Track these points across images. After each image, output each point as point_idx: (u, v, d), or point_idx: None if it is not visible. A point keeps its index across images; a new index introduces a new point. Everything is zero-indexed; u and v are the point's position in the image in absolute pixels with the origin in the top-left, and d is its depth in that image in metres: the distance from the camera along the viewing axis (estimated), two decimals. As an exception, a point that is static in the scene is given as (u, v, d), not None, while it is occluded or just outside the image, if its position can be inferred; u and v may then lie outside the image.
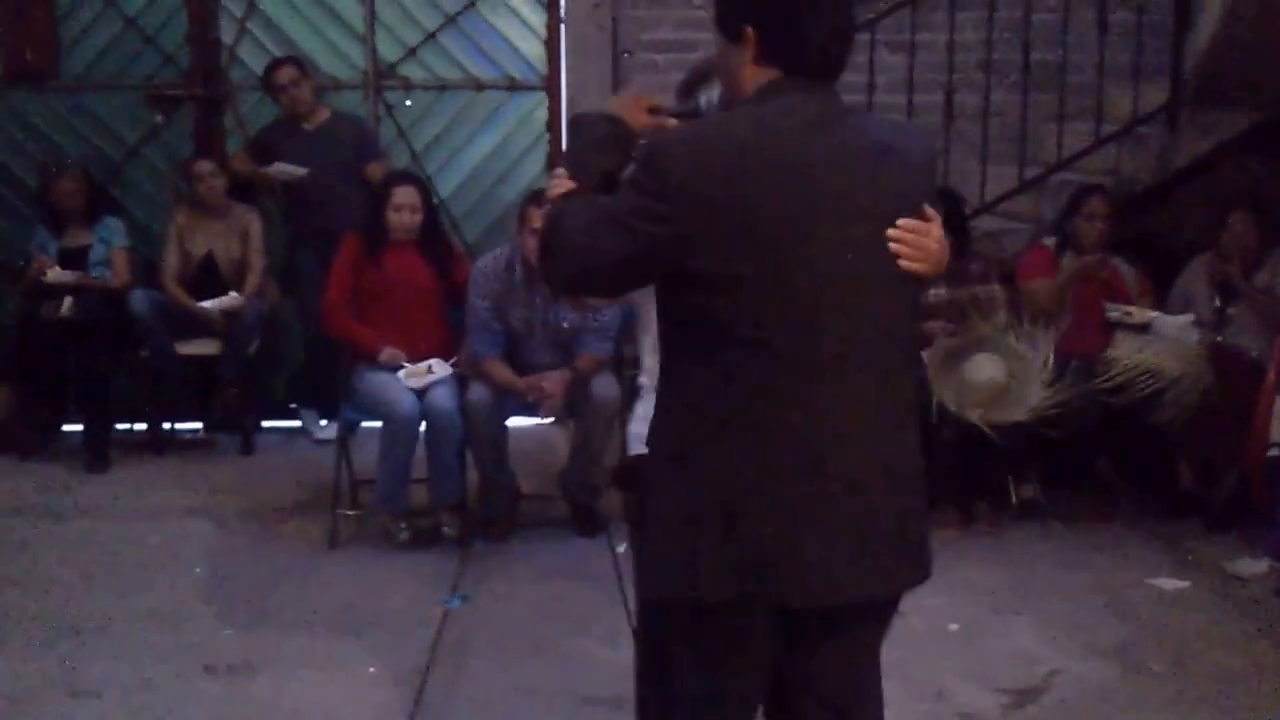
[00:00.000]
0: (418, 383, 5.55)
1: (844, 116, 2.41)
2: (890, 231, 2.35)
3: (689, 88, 2.88)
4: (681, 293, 2.35)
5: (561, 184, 2.49)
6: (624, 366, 5.94)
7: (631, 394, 5.56)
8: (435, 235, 5.94)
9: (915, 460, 2.49)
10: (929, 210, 2.43)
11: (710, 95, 2.68)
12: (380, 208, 5.78)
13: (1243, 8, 5.72)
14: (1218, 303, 6.00)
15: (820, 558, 2.34)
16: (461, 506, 5.66)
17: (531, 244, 5.43)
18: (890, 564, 2.42)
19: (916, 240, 2.38)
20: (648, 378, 3.17)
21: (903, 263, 2.35)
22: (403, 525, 5.57)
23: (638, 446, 3.13)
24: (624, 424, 5.65)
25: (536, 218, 5.39)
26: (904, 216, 2.37)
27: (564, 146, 2.61)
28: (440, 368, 5.62)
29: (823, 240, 2.30)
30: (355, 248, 5.81)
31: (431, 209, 5.92)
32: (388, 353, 5.62)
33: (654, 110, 2.60)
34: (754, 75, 2.41)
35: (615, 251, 2.34)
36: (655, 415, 2.49)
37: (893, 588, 2.48)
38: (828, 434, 2.34)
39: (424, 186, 5.93)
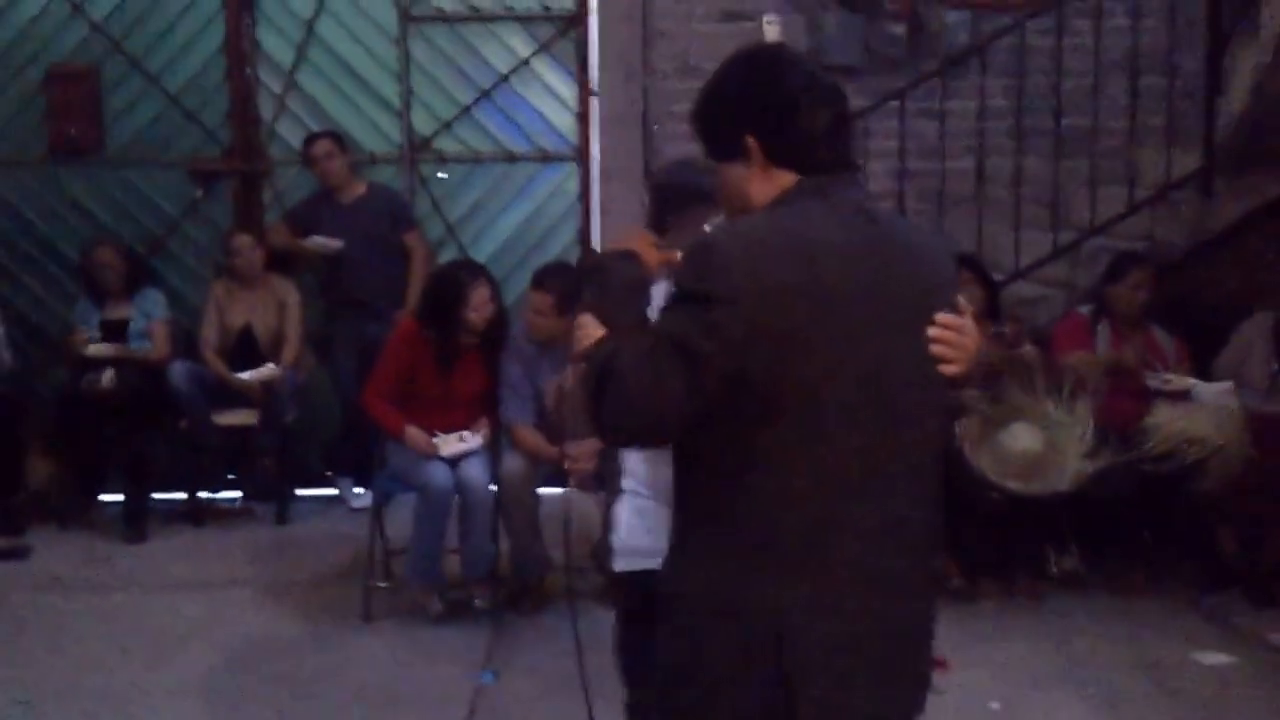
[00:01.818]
0: (448, 451, 5.41)
1: (874, 211, 2.28)
2: (932, 331, 2.21)
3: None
4: (728, 407, 2.12)
5: (590, 332, 2.34)
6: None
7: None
8: (499, 336, 5.63)
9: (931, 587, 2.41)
10: (961, 302, 2.31)
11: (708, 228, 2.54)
12: (456, 306, 5.47)
13: (1274, 73, 5.55)
14: (1275, 366, 5.76)
15: (870, 698, 2.21)
16: (493, 578, 5.49)
17: (537, 324, 5.37)
18: (918, 694, 2.36)
19: (956, 339, 2.24)
20: (633, 481, 2.96)
21: (943, 366, 2.23)
22: (437, 599, 5.39)
23: (628, 561, 2.98)
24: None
25: (534, 300, 5.42)
26: (939, 312, 2.23)
27: (588, 294, 2.46)
28: (471, 437, 5.47)
29: (871, 336, 2.14)
30: (417, 344, 5.52)
31: (500, 303, 5.67)
32: (411, 433, 5.43)
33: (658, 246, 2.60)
34: (767, 183, 2.27)
35: (679, 384, 2.09)
36: (682, 548, 2.29)
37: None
38: (878, 567, 2.20)
39: (493, 279, 5.69)
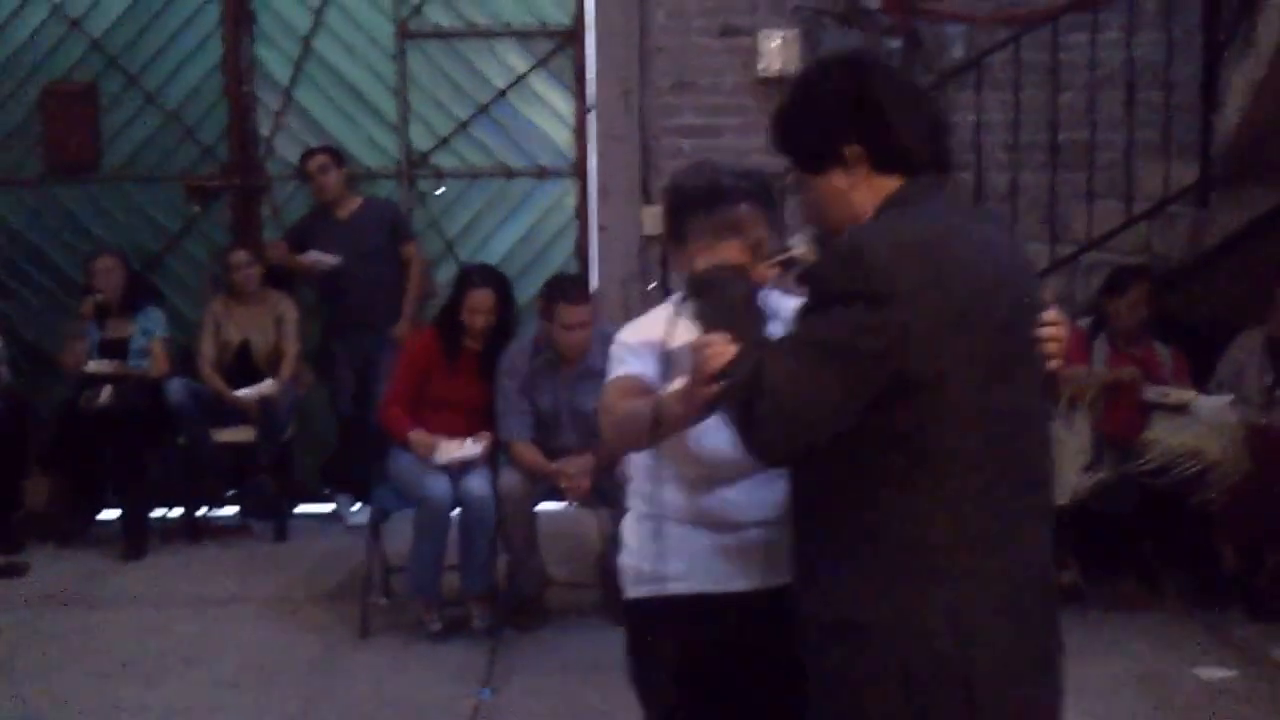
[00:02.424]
0: (447, 458, 5.37)
1: (983, 209, 2.27)
2: (1047, 330, 2.22)
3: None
4: (884, 411, 2.06)
5: (721, 350, 2.15)
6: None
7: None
8: (505, 338, 5.63)
9: None
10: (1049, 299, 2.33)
11: (796, 241, 2.41)
12: (457, 308, 5.54)
13: (1270, 85, 5.54)
14: (1269, 380, 5.75)
15: (1045, 694, 2.24)
16: (492, 595, 5.45)
17: (566, 339, 5.29)
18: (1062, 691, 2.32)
19: (1060, 334, 2.27)
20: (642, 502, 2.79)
21: (1051, 361, 2.25)
22: (436, 615, 5.35)
23: (637, 587, 2.75)
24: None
25: (572, 315, 5.27)
26: (1038, 307, 2.23)
27: (700, 312, 2.31)
28: (472, 445, 5.44)
29: (1004, 332, 2.12)
30: (430, 346, 5.58)
31: (506, 311, 5.65)
32: (416, 436, 5.42)
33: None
34: (874, 190, 2.23)
35: (838, 389, 2.03)
36: (833, 571, 2.17)
37: None
38: (1039, 562, 2.20)
39: (503, 286, 5.67)
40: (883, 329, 2.01)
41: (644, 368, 2.65)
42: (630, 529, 2.77)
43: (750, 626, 2.64)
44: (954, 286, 2.04)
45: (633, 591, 2.73)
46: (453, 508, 5.33)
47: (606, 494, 5.42)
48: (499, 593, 5.49)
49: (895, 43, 6.74)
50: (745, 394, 2.09)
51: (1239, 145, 5.93)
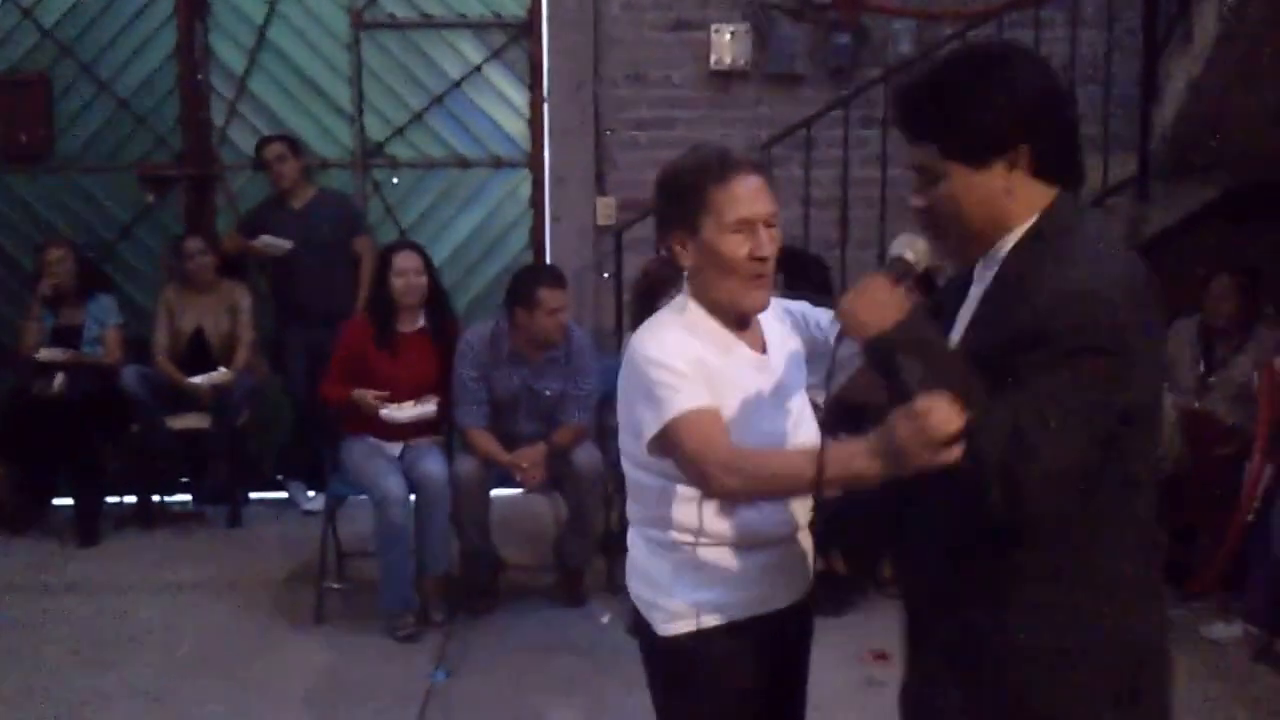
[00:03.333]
0: (402, 417, 5.35)
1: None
2: None
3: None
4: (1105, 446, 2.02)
5: (951, 415, 1.94)
6: (607, 435, 5.85)
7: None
8: (443, 319, 5.66)
9: None
10: None
11: (903, 246, 2.19)
12: (383, 277, 5.53)
13: (1207, 82, 5.66)
14: (1202, 368, 5.90)
15: None
16: (447, 582, 5.49)
17: (548, 324, 5.34)
18: None
19: None
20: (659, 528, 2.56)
21: None
22: (409, 619, 5.28)
23: (672, 624, 2.53)
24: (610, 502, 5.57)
25: (555, 299, 5.32)
26: None
27: (917, 377, 2.01)
28: (421, 405, 5.40)
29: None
30: (363, 333, 5.54)
31: (436, 281, 5.68)
32: (358, 394, 5.37)
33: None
34: (1029, 198, 2.09)
35: (1097, 448, 1.96)
36: (1033, 597, 2.09)
37: None
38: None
39: (424, 252, 5.68)
40: (1128, 383, 1.97)
41: (710, 397, 2.39)
42: (649, 561, 2.54)
43: (782, 644, 2.60)
44: (1154, 326, 2.07)
45: (667, 629, 2.51)
46: (409, 502, 5.32)
47: (561, 480, 5.51)
48: (453, 579, 5.52)
49: (844, 37, 6.82)
50: (1001, 458, 1.93)
51: (1176, 140, 6.04)
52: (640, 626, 2.60)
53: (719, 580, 2.49)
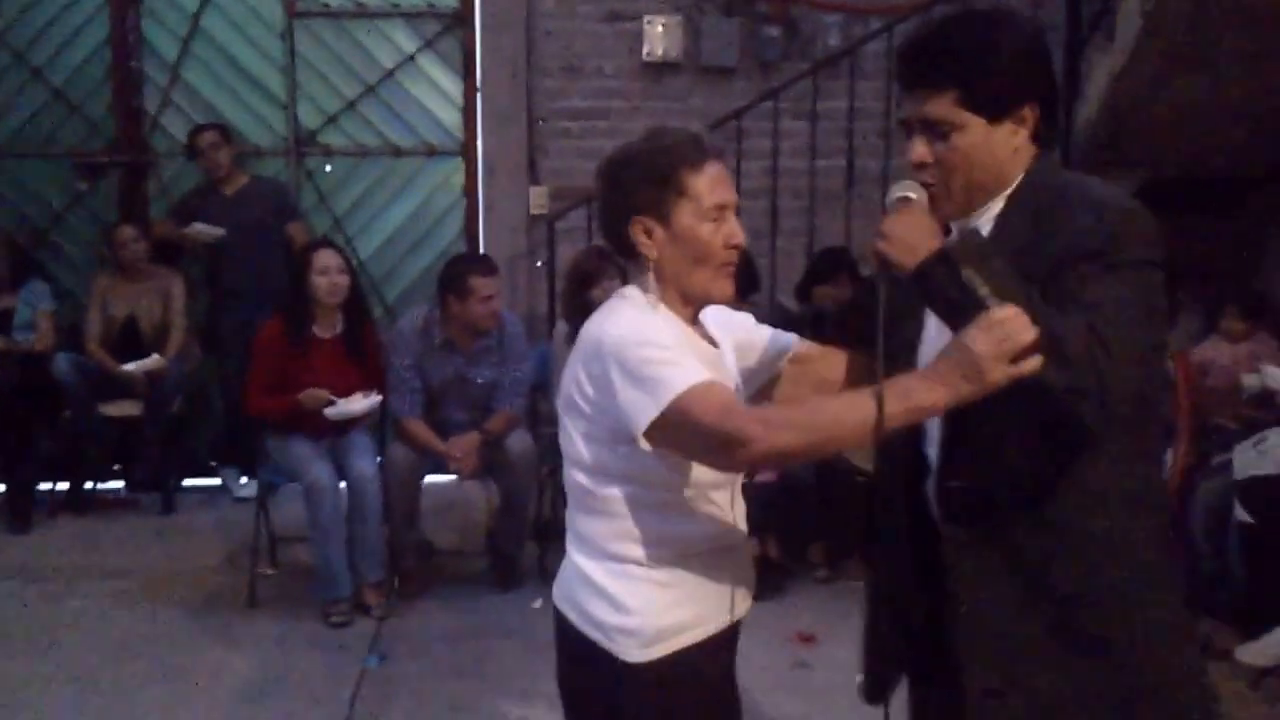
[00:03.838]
0: (344, 413, 5.29)
1: None
2: None
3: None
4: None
5: (1028, 325, 1.91)
6: (539, 423, 5.86)
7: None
8: (359, 324, 5.53)
9: None
10: None
11: (906, 188, 2.16)
12: (303, 276, 5.42)
13: (1127, 79, 5.72)
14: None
15: None
16: (384, 585, 5.43)
17: (481, 311, 5.32)
18: None
19: None
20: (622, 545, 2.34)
21: None
22: (344, 606, 5.24)
23: (650, 648, 2.29)
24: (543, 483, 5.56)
25: (487, 287, 5.29)
26: None
27: (986, 290, 1.97)
28: (364, 399, 5.34)
29: None
30: (277, 332, 5.42)
31: (356, 284, 5.57)
32: (307, 394, 5.30)
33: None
34: (1023, 157, 2.14)
35: (1151, 349, 2.05)
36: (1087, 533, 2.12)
37: None
38: None
39: (344, 254, 5.61)
40: (1164, 289, 2.03)
41: (712, 372, 2.20)
42: (614, 583, 2.29)
43: (734, 646, 2.48)
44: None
45: (643, 655, 2.26)
46: (338, 489, 5.28)
47: (494, 467, 5.49)
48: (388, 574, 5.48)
49: (773, 30, 6.85)
50: (1091, 359, 1.93)
51: (1097, 134, 6.12)
52: (586, 657, 2.33)
53: (688, 596, 2.31)
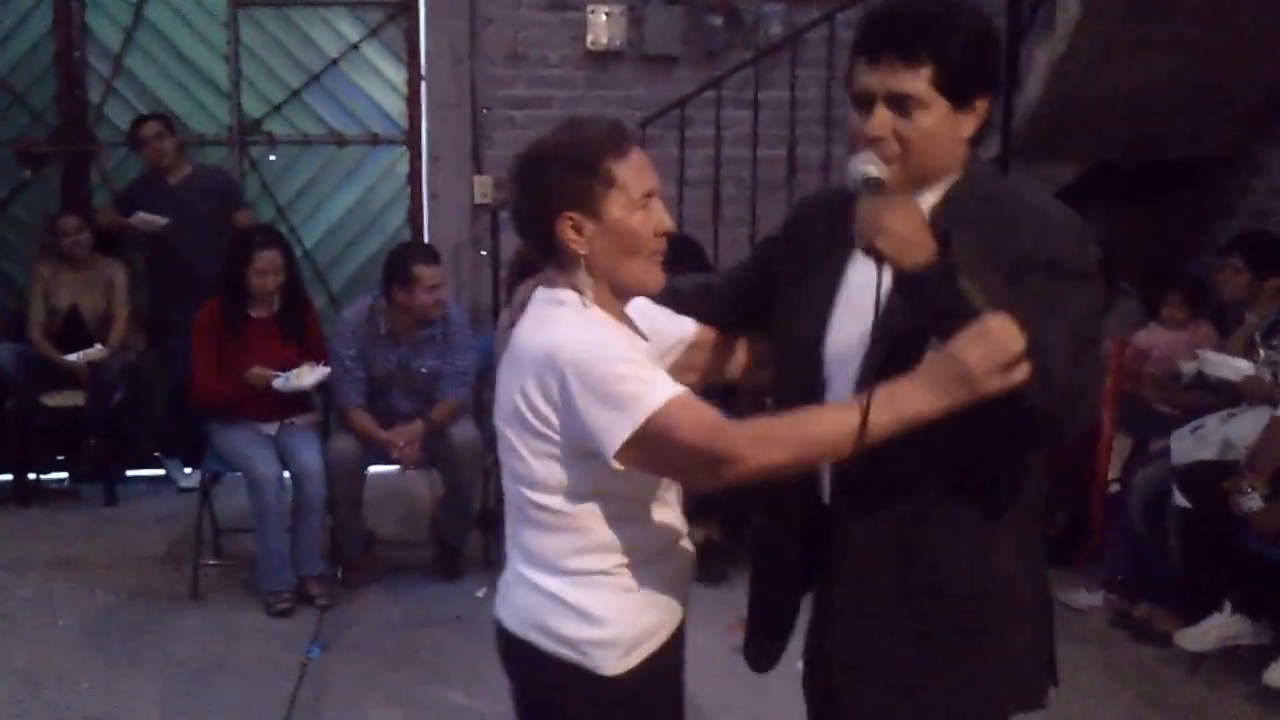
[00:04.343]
0: (294, 386, 5.22)
1: None
2: None
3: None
4: None
5: (1018, 335, 1.89)
6: (484, 412, 5.80)
7: None
8: (295, 304, 5.50)
9: None
10: None
11: (866, 162, 2.06)
12: (243, 270, 5.37)
13: (1067, 66, 5.73)
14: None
15: None
16: (328, 567, 5.39)
17: (425, 300, 5.25)
18: None
19: None
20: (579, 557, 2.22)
21: None
22: (286, 596, 5.18)
23: (625, 659, 2.19)
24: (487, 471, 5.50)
25: (432, 276, 5.23)
26: None
27: (982, 298, 1.92)
28: (311, 371, 5.27)
29: None
30: (215, 315, 5.38)
31: (294, 271, 5.54)
32: (251, 373, 5.24)
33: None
34: (963, 150, 2.12)
35: (1100, 369, 2.13)
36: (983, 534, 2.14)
37: None
38: None
39: (287, 247, 5.56)
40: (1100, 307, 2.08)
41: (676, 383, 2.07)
42: (584, 595, 2.15)
43: (684, 643, 2.39)
44: None
45: (621, 665, 2.16)
46: (282, 479, 5.21)
47: (438, 457, 5.43)
48: (329, 561, 5.43)
49: (716, 19, 6.81)
50: (1064, 374, 1.95)
51: (1038, 122, 6.12)
52: (559, 683, 2.19)
53: (652, 599, 2.21)
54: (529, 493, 2.16)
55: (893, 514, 2.14)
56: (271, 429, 5.37)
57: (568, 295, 2.15)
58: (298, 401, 5.44)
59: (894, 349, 2.05)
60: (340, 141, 7.17)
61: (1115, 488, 5.35)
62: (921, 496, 2.12)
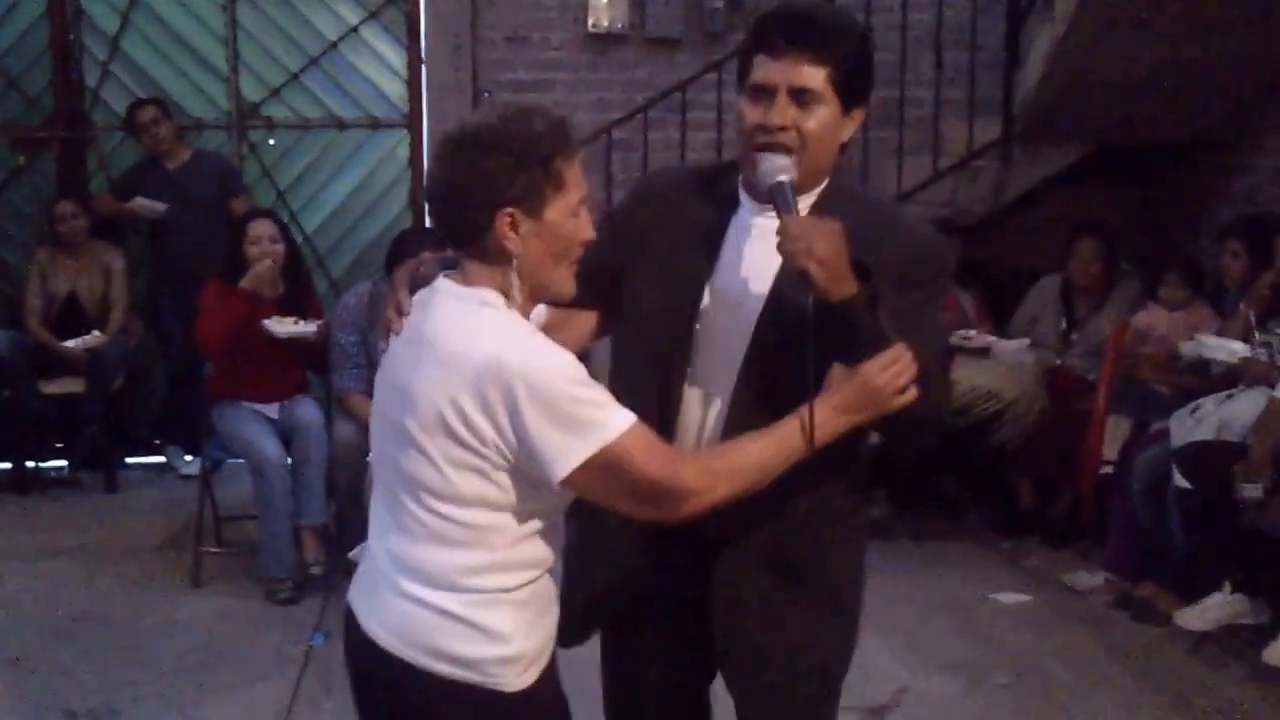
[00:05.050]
0: (284, 332, 5.20)
1: None
2: None
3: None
4: None
5: (911, 362, 2.07)
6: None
7: None
8: (298, 281, 5.50)
9: None
10: None
11: (781, 166, 2.13)
12: (238, 246, 5.35)
13: (1068, 49, 5.72)
14: (1064, 324, 5.97)
15: None
16: (325, 534, 5.36)
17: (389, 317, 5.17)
18: None
19: None
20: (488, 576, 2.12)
21: None
22: (288, 584, 5.16)
23: (528, 674, 2.12)
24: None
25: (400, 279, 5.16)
26: None
27: (893, 326, 2.07)
28: (305, 324, 5.27)
29: None
30: (217, 292, 5.34)
31: (292, 245, 5.53)
32: (251, 275, 5.20)
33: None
34: (838, 156, 2.24)
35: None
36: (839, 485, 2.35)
37: None
38: None
39: (281, 222, 5.55)
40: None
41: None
42: (487, 614, 2.05)
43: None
44: None
45: (523, 681, 2.10)
46: (285, 463, 5.21)
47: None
48: (331, 533, 5.40)
49: (717, 2, 6.78)
50: (941, 392, 2.19)
51: (1039, 104, 6.11)
52: (457, 709, 2.09)
53: (544, 612, 2.15)
54: (438, 505, 2.03)
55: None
56: (273, 411, 5.36)
57: (492, 296, 2.04)
58: (299, 384, 5.42)
59: (776, 348, 2.20)
60: (340, 125, 7.14)
61: (1109, 469, 5.36)
62: (791, 504, 2.26)
